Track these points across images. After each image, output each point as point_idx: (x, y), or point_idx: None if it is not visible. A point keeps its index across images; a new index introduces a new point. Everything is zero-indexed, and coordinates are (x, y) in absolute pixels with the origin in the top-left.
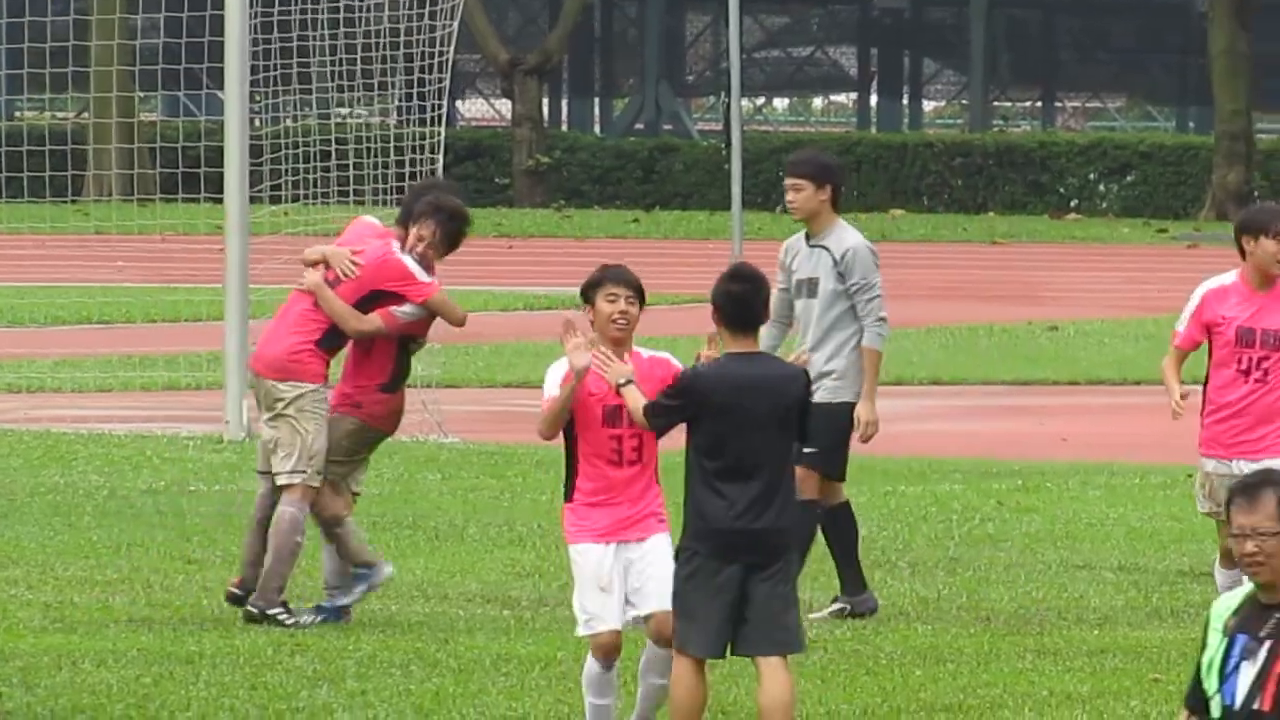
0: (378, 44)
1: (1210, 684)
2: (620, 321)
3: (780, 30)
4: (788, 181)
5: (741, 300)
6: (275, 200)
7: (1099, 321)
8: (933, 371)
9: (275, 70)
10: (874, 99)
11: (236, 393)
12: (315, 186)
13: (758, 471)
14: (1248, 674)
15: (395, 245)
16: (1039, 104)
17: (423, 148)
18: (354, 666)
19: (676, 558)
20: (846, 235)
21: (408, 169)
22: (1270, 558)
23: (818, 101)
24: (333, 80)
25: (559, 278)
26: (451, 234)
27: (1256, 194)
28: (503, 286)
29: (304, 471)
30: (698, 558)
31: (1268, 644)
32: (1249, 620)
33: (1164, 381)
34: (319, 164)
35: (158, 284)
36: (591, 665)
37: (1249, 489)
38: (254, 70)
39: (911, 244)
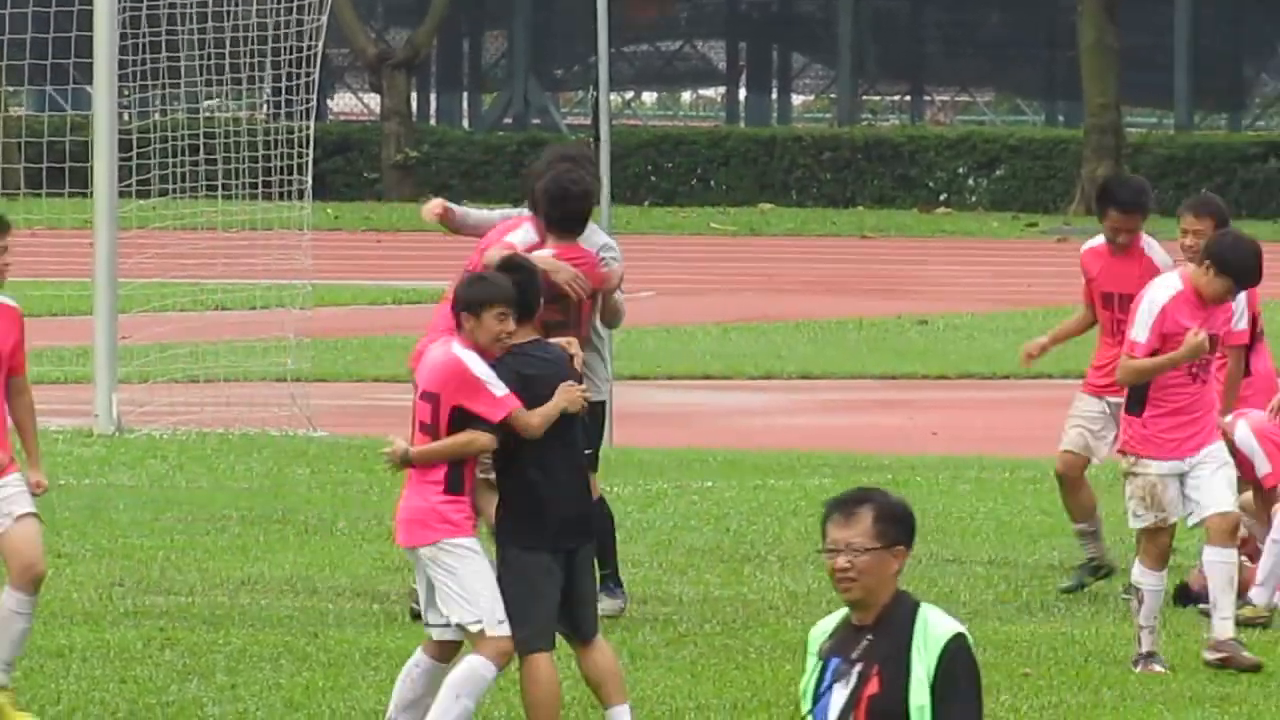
0: (246, 38)
1: (804, 707)
2: (506, 340)
3: (649, 24)
4: None
5: (518, 289)
6: (143, 195)
7: (969, 315)
8: (802, 366)
9: (144, 65)
10: (742, 93)
11: (106, 386)
12: (184, 181)
13: (572, 455)
14: (839, 697)
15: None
16: (907, 98)
17: (292, 142)
18: (223, 661)
19: (503, 562)
20: (595, 237)
21: (276, 163)
22: (862, 575)
23: (686, 96)
24: (201, 74)
25: (427, 272)
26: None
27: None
28: (371, 280)
29: None
30: (530, 553)
31: (859, 666)
32: (842, 643)
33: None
34: (188, 158)
35: (26, 278)
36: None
37: (847, 504)
38: (122, 65)
39: (780, 238)
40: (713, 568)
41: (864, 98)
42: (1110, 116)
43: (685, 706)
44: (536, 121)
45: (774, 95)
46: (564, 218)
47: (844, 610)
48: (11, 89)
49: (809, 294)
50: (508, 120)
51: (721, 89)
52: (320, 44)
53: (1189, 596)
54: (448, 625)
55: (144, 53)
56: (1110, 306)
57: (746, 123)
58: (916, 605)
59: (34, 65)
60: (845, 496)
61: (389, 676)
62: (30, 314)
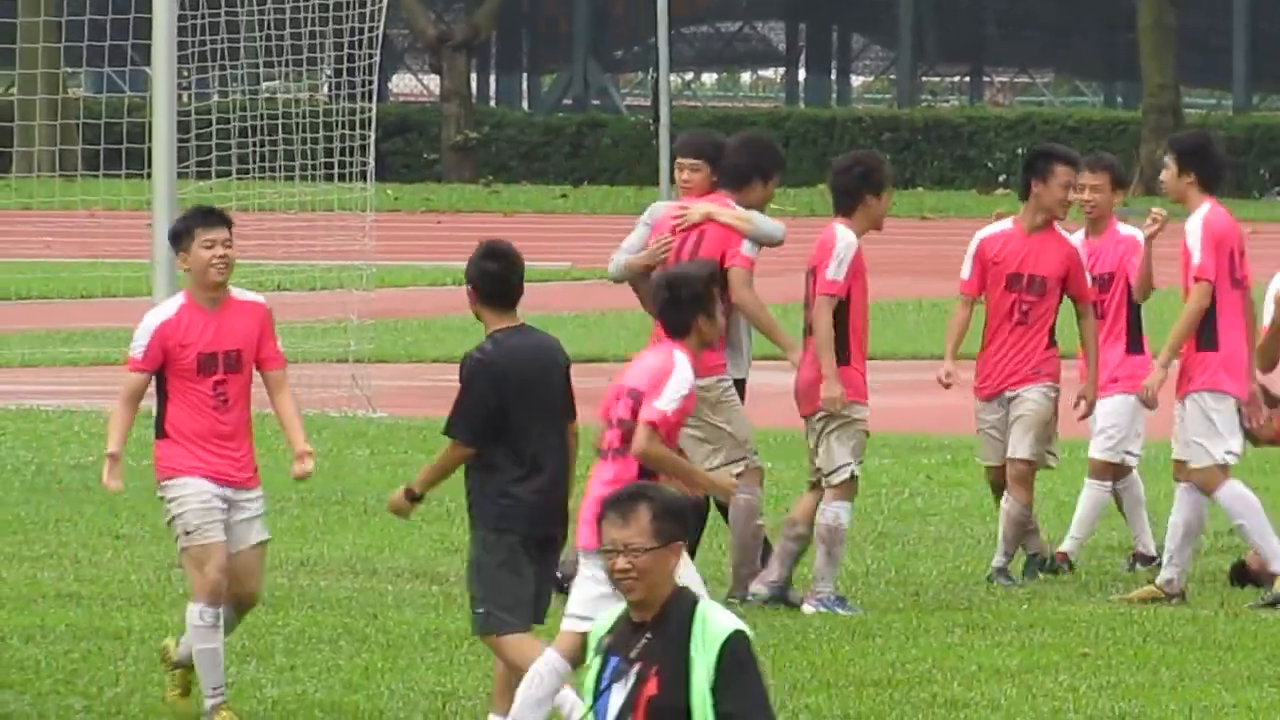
0: (307, 19)
1: (585, 704)
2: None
3: (709, 5)
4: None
5: (499, 277)
6: (203, 176)
7: None
8: None
9: (203, 46)
10: (802, 74)
11: None
12: (252, 162)
13: (555, 441)
14: (618, 696)
15: None
16: (967, 79)
17: (353, 123)
18: (282, 642)
19: (483, 546)
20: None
21: (337, 144)
22: (643, 574)
23: (746, 77)
24: (261, 56)
25: None
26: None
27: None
28: (431, 262)
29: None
30: (508, 537)
31: (637, 666)
32: (621, 640)
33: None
34: (248, 140)
35: (85, 259)
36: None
37: (623, 504)
38: (181, 46)
39: None
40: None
41: (923, 79)
42: (1169, 97)
43: None
44: (596, 103)
45: (833, 76)
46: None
47: (624, 605)
48: (70, 70)
49: (869, 275)
50: (567, 101)
51: (781, 70)
52: (381, 25)
53: (1246, 576)
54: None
55: (204, 34)
56: (1017, 289)
57: (806, 104)
58: (695, 602)
59: (92, 47)
60: (620, 495)
61: (448, 658)
62: (89, 295)
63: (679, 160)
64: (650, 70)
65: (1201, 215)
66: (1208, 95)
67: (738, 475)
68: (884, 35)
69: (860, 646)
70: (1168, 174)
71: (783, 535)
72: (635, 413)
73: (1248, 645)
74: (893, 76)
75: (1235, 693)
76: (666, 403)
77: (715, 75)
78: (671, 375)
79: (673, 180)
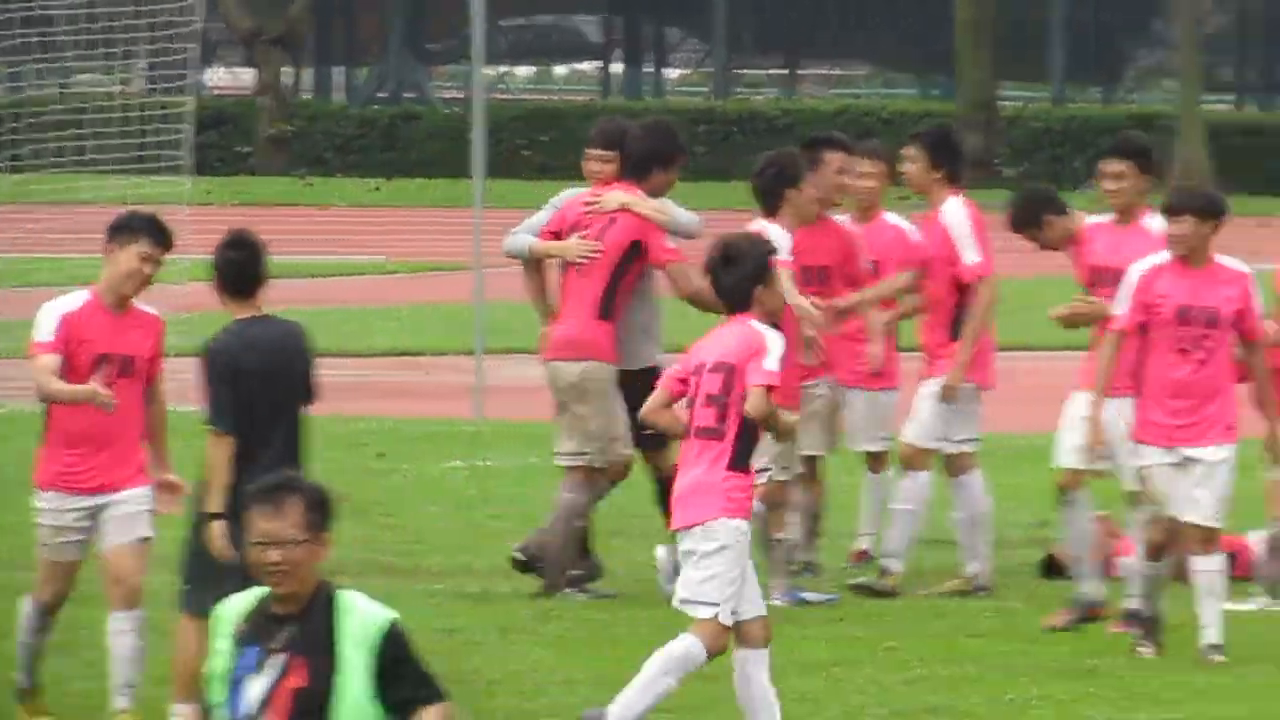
0: (122, 12)
1: (216, 694)
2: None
3: None
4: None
5: (240, 267)
6: (16, 170)
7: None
8: (691, 337)
9: (15, 40)
10: (617, 67)
11: None
12: (66, 155)
13: (291, 428)
14: (258, 687)
15: None
16: (783, 71)
17: (167, 117)
18: (89, 636)
19: (194, 527)
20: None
21: (153, 138)
22: (296, 567)
23: (560, 69)
24: (76, 49)
25: (301, 246)
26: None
27: (998, 161)
28: None
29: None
30: (219, 521)
31: (282, 657)
32: (261, 630)
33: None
34: (62, 133)
35: None
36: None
37: (274, 494)
38: None
39: None
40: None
41: (739, 71)
42: (985, 90)
43: (552, 680)
44: (410, 96)
45: (649, 69)
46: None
47: (256, 591)
48: None
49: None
50: (382, 94)
51: (596, 63)
52: (199, 18)
53: (1054, 568)
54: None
55: (17, 27)
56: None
57: (622, 96)
58: (335, 592)
59: None
60: (270, 486)
61: None
62: None
63: (589, 151)
64: (465, 62)
65: (964, 210)
66: (1024, 87)
67: (576, 469)
68: (699, 28)
69: (665, 639)
70: (916, 167)
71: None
72: (727, 386)
73: (1054, 638)
74: (708, 69)
75: (1042, 685)
76: (774, 363)
77: (530, 68)
78: (765, 341)
79: (488, 173)
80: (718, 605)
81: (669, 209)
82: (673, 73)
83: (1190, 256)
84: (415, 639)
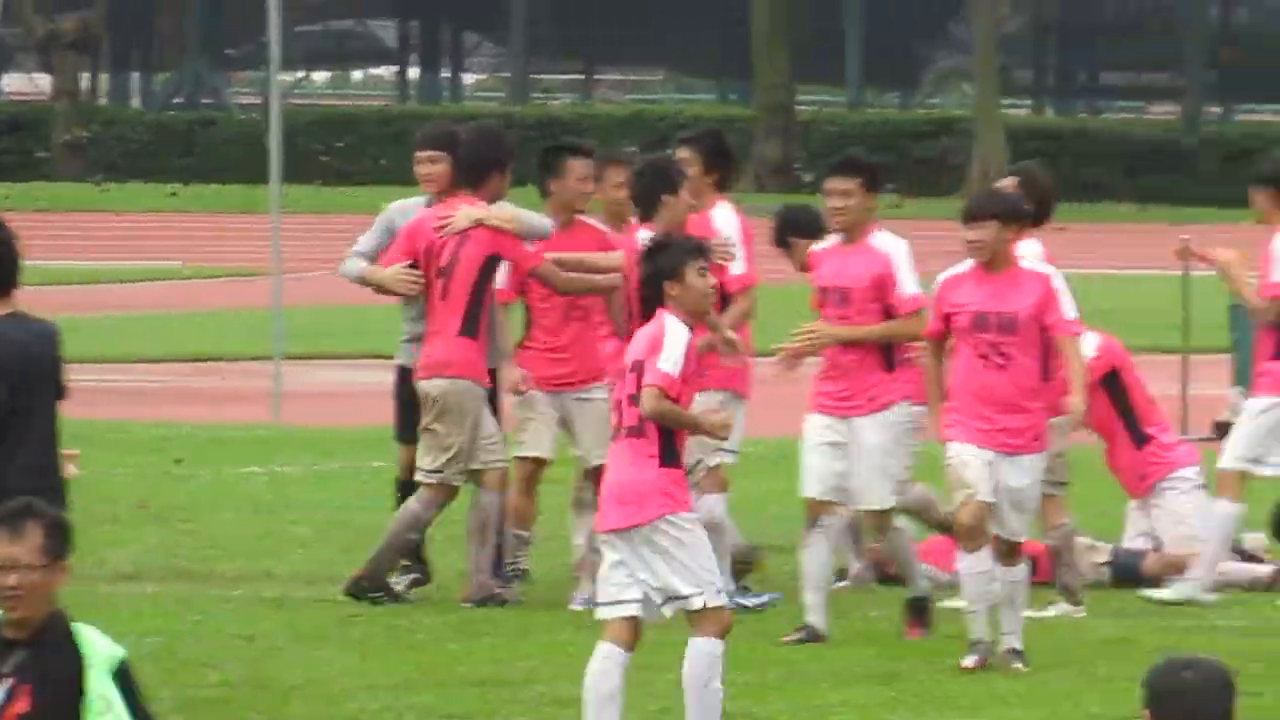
0: None
1: None
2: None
3: (321, 3)
4: None
5: None
6: None
7: None
8: None
9: None
10: (414, 72)
11: None
12: None
13: (44, 425)
14: None
15: None
16: (580, 76)
17: None
18: None
19: None
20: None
21: None
22: (32, 592)
23: (357, 74)
24: None
25: (97, 252)
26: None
27: (797, 166)
28: (40, 261)
29: None
30: None
31: (8, 682)
32: None
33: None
34: None
35: None
36: None
37: (13, 519)
38: None
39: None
40: None
41: (536, 76)
42: (782, 94)
43: (355, 685)
44: (208, 101)
45: (446, 74)
46: None
47: None
48: None
49: None
50: (179, 100)
51: (393, 68)
52: None
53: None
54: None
55: None
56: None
57: (418, 101)
58: (70, 623)
59: None
60: (10, 511)
61: None
62: None
63: (418, 154)
64: (263, 68)
65: (734, 217)
66: (822, 92)
67: (431, 486)
68: (497, 32)
69: (467, 645)
70: (693, 170)
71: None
72: (637, 384)
73: (855, 643)
74: (505, 74)
75: (842, 690)
76: (666, 362)
77: (327, 73)
78: (665, 336)
79: (285, 178)
80: (716, 590)
81: (519, 215)
82: (470, 78)
83: (991, 262)
84: (213, 645)
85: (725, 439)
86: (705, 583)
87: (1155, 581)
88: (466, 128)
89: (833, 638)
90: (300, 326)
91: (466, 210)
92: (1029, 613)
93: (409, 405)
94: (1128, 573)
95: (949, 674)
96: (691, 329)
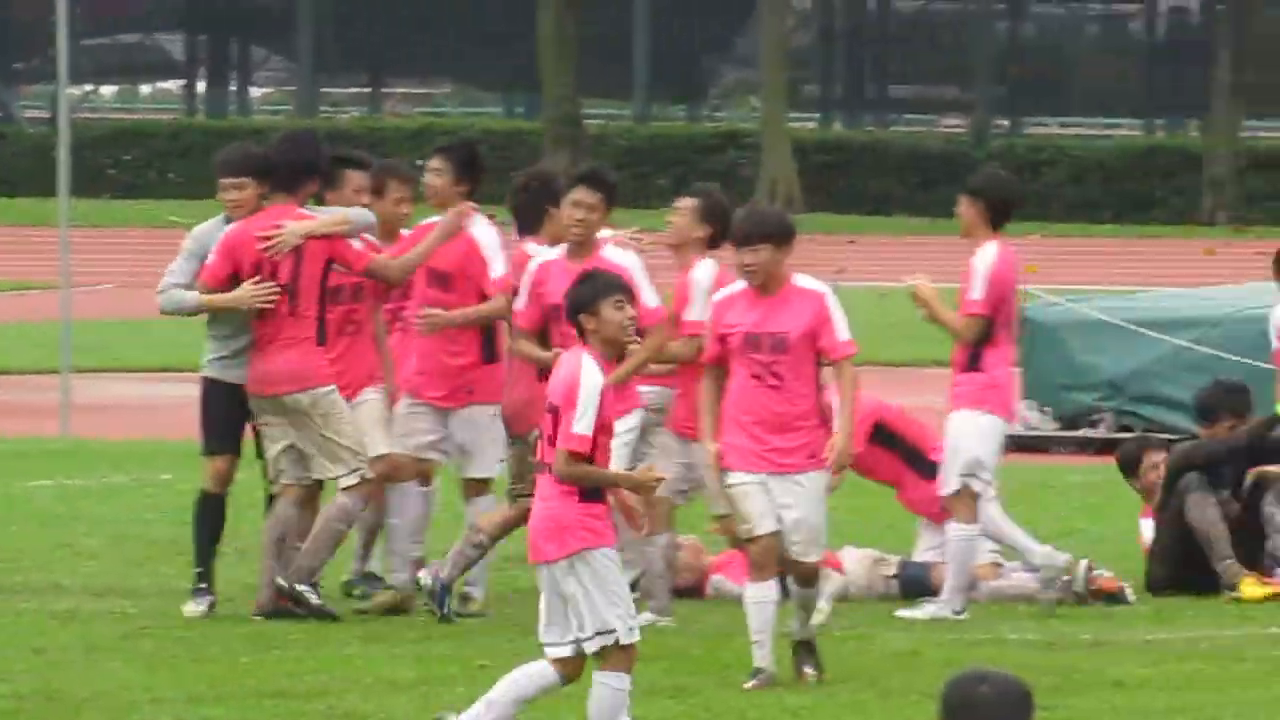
0: None
1: None
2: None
3: (109, 17)
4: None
5: None
6: None
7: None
8: None
9: None
10: (201, 86)
11: None
12: None
13: None
14: None
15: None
16: (367, 90)
17: None
18: None
19: None
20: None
21: None
22: None
23: (146, 88)
24: None
25: None
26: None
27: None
28: None
29: None
30: None
31: None
32: None
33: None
34: None
35: None
36: None
37: None
38: None
39: None
40: (171, 560)
41: (324, 90)
42: (569, 107)
43: (142, 699)
44: None
45: (234, 88)
46: None
47: None
48: None
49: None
50: None
51: (181, 82)
52: None
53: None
54: (568, 643)
55: None
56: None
57: (206, 115)
58: None
59: None
60: None
61: None
62: None
63: (222, 181)
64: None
65: (492, 228)
66: (609, 105)
67: (352, 486)
68: (284, 46)
69: (258, 658)
70: (441, 180)
71: (464, 539)
72: (555, 425)
73: (646, 658)
74: (293, 88)
75: (639, 704)
76: (579, 423)
77: (115, 87)
78: (580, 388)
79: (73, 192)
80: (615, 629)
81: (346, 214)
82: (257, 91)
83: (764, 284)
84: (3, 657)
85: (651, 492)
86: (608, 620)
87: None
88: (278, 135)
89: None
90: (89, 340)
91: (293, 227)
92: (908, 612)
93: (222, 419)
94: (916, 585)
95: (738, 689)
96: (609, 362)
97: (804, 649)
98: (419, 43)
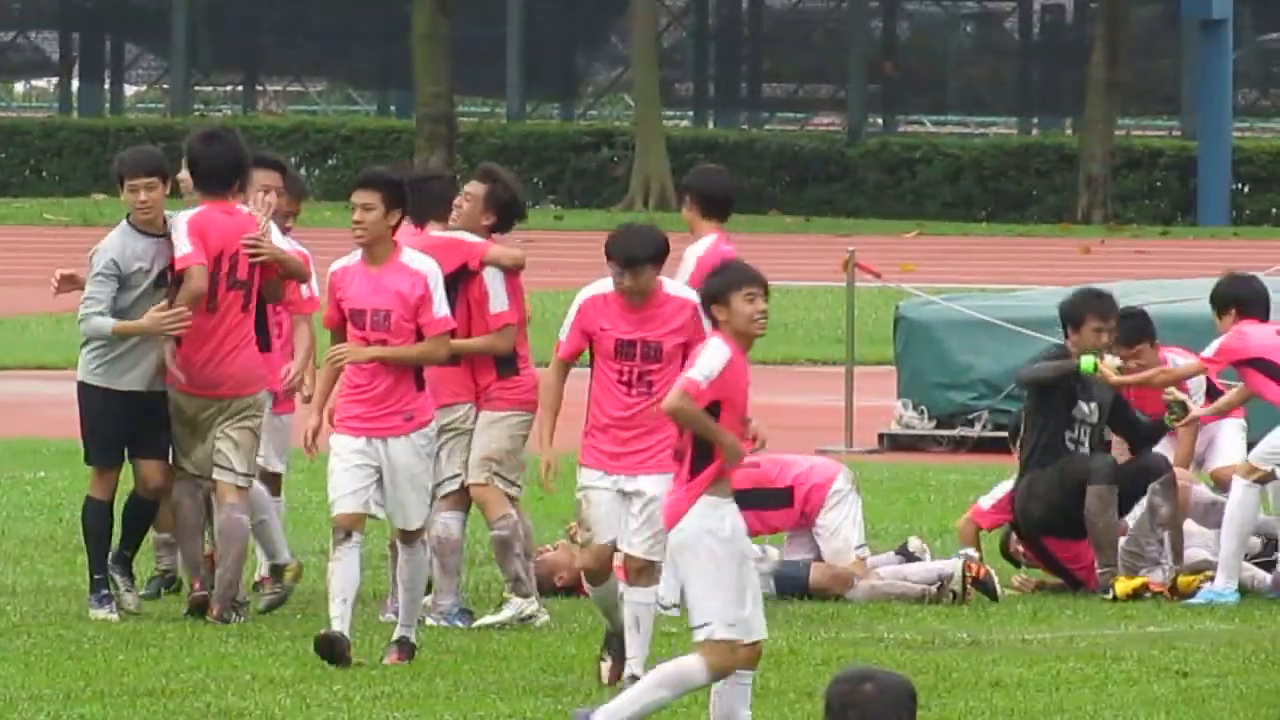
0: None
1: None
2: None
3: None
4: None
5: None
6: None
7: None
8: None
9: None
10: (75, 84)
11: None
12: None
13: None
14: None
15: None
16: (240, 88)
17: None
18: None
19: None
20: None
21: None
22: None
23: (20, 86)
24: None
25: None
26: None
27: (459, 175)
28: None
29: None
30: None
31: None
32: None
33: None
34: None
35: None
36: None
37: None
38: None
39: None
40: (46, 558)
41: (198, 88)
42: (443, 106)
43: (19, 696)
44: None
45: (107, 86)
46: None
47: None
48: None
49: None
50: None
51: (55, 79)
52: None
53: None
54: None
55: None
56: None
57: (80, 113)
58: None
59: None
60: None
61: None
62: None
63: (133, 182)
64: None
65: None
66: (483, 103)
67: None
68: (158, 44)
69: (134, 655)
70: (273, 180)
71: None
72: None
73: (522, 655)
74: (166, 86)
75: (511, 703)
76: (695, 371)
77: None
78: (703, 349)
79: None
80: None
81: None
82: (131, 89)
83: (639, 297)
84: None
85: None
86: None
87: (822, 594)
88: (195, 136)
89: (503, 651)
90: None
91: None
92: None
93: (109, 430)
94: (791, 584)
95: (614, 687)
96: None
97: (615, 641)
98: (293, 41)
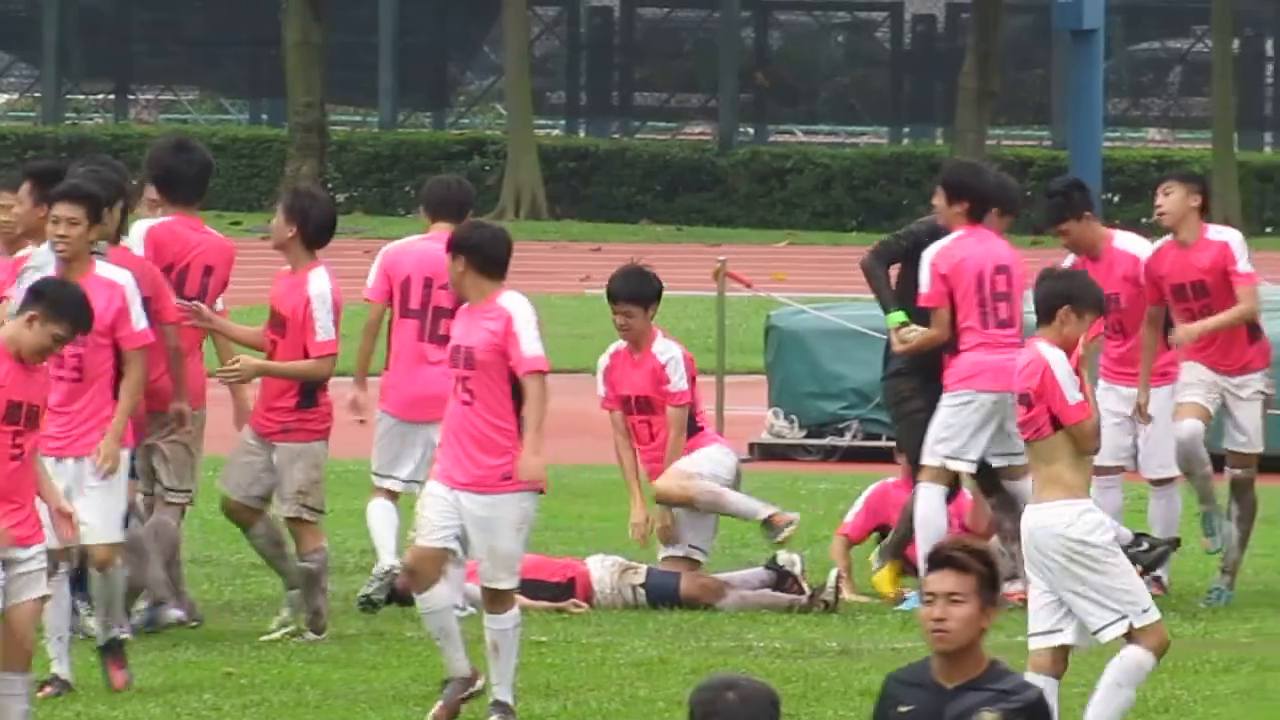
0: None
1: None
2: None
3: None
4: None
5: None
6: None
7: None
8: None
9: None
10: None
11: None
12: None
13: None
14: None
15: None
16: (112, 96)
17: None
18: None
19: None
20: None
21: None
22: None
23: None
24: None
25: None
26: None
27: (331, 187)
28: None
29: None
30: None
31: None
32: None
33: None
34: None
35: None
36: None
37: None
38: None
39: None
40: None
41: (69, 96)
42: (314, 114)
43: None
44: None
45: None
46: None
47: None
48: None
49: None
50: None
51: None
52: None
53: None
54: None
55: None
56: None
57: None
58: None
59: None
60: None
61: None
62: None
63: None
64: None
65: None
66: (355, 112)
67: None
68: (29, 52)
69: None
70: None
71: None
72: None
73: (392, 664)
74: (38, 94)
75: (380, 711)
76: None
77: None
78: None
79: None
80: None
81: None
82: (1, 98)
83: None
84: None
85: None
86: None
87: (692, 604)
88: (163, 146)
89: (373, 660)
90: None
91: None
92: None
93: None
94: (663, 593)
95: (483, 696)
96: None
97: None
98: (164, 49)
